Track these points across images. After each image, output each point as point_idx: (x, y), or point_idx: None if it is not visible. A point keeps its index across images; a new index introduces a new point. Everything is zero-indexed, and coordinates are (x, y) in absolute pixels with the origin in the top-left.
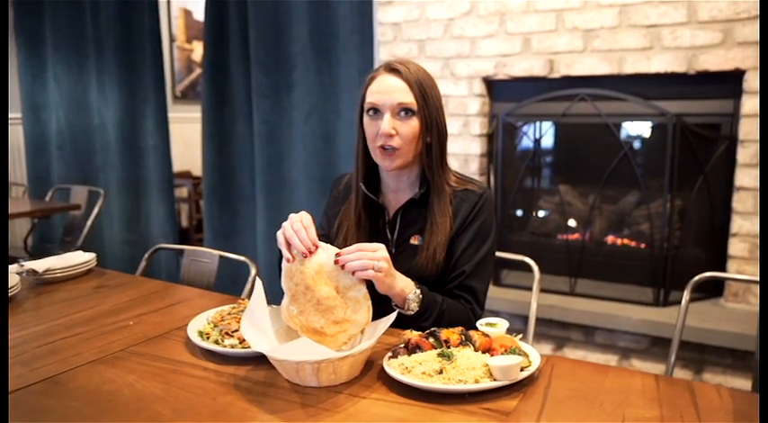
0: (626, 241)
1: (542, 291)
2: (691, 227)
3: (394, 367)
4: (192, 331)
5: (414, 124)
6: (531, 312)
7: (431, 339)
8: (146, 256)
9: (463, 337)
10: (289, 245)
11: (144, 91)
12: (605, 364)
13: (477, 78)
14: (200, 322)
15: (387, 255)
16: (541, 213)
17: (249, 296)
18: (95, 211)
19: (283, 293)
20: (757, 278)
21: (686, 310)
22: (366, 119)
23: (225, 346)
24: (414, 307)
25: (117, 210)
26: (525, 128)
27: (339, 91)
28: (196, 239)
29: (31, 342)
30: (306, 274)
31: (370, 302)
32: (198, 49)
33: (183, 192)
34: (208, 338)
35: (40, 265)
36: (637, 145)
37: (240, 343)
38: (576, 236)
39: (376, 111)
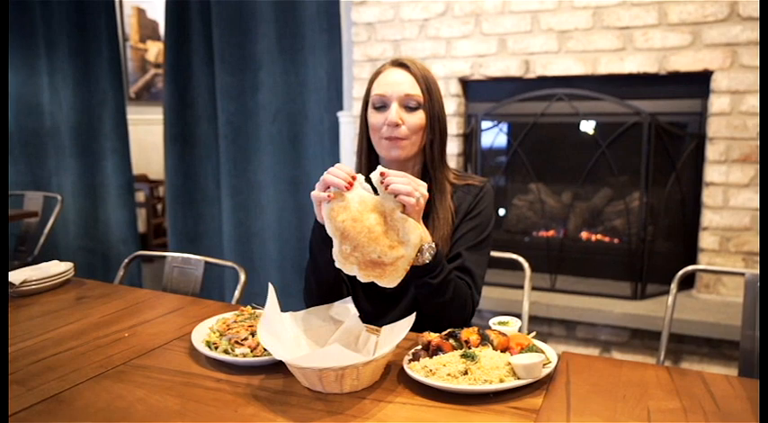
0: (603, 238)
1: (520, 287)
2: (664, 222)
3: (417, 370)
4: (198, 341)
5: (420, 116)
6: (524, 311)
7: (451, 340)
8: (123, 264)
9: (481, 336)
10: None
11: (101, 92)
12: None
13: (454, 79)
14: (203, 331)
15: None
16: (520, 212)
17: (239, 302)
18: (52, 218)
19: (271, 308)
20: (740, 270)
21: (674, 303)
22: (372, 111)
23: (236, 356)
24: (427, 257)
25: (73, 216)
26: (503, 127)
27: (306, 91)
28: (155, 245)
29: (21, 359)
30: (350, 207)
31: (419, 223)
32: (152, 49)
33: (139, 196)
34: (216, 348)
35: (15, 276)
36: (613, 143)
37: (252, 351)
38: (554, 233)
39: (383, 103)
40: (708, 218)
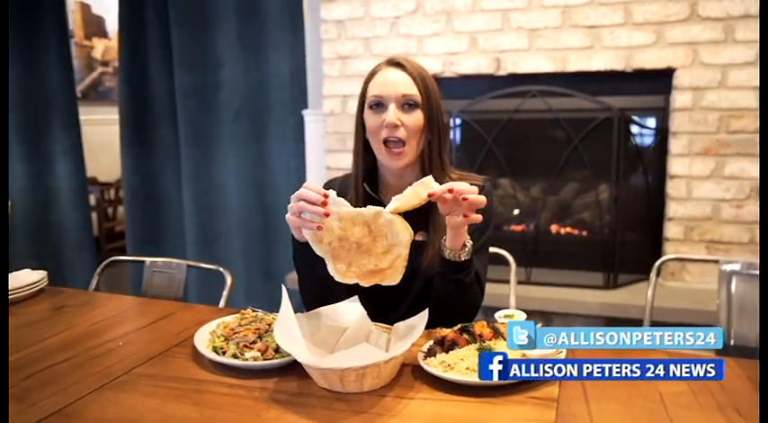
0: (576, 230)
1: (501, 281)
2: (632, 213)
3: (435, 366)
4: (203, 347)
5: (418, 117)
6: (512, 305)
7: (464, 335)
8: (98, 270)
9: (493, 329)
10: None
11: (49, 91)
12: None
13: None
14: (204, 336)
15: None
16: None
17: (227, 305)
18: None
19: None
20: (714, 258)
21: (654, 290)
22: (369, 113)
23: (246, 360)
24: (466, 256)
25: (22, 222)
26: (478, 125)
27: (270, 89)
28: (108, 249)
29: (14, 373)
30: (332, 228)
31: (401, 217)
32: (98, 47)
33: (89, 199)
34: (224, 353)
35: None
36: (585, 138)
37: (262, 355)
38: (527, 227)
39: (379, 104)
40: (673, 209)
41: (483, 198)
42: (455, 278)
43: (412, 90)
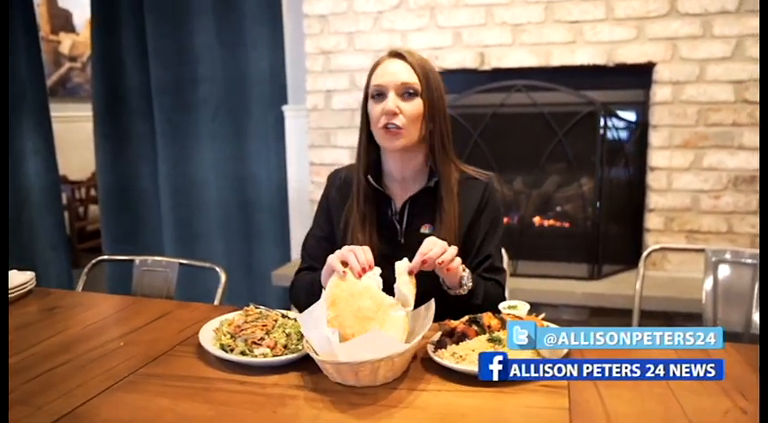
0: (560, 222)
1: None
2: (614, 205)
3: (447, 357)
4: (210, 345)
5: (417, 104)
6: (506, 296)
7: (474, 326)
8: (85, 270)
9: (500, 320)
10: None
11: (17, 86)
12: None
13: None
14: (208, 334)
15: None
16: None
17: (222, 302)
18: None
19: None
20: (700, 246)
21: (642, 280)
22: (371, 103)
23: (256, 356)
24: (469, 284)
25: None
26: (463, 119)
27: (249, 85)
28: (81, 249)
29: (13, 377)
30: (354, 284)
31: (407, 325)
32: (66, 42)
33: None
34: (232, 351)
35: None
36: (568, 132)
37: (271, 350)
38: (512, 220)
39: (380, 93)
40: (653, 200)
41: (452, 252)
42: (469, 304)
43: (411, 79)
